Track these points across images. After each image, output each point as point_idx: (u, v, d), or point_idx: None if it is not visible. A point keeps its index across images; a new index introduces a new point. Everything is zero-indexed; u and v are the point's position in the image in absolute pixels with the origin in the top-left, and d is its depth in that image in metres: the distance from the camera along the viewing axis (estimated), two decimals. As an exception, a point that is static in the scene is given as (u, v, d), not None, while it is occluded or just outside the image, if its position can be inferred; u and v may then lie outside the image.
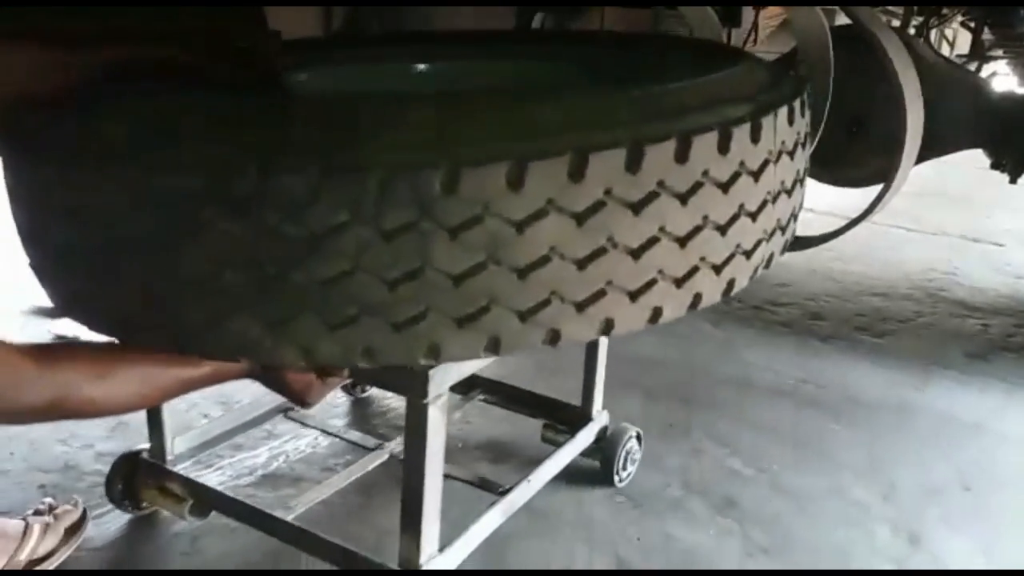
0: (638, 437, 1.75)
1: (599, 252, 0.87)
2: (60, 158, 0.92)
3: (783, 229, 1.10)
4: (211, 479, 1.68)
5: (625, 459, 1.71)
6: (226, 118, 0.90)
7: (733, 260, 0.99)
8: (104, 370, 0.93)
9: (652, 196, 0.88)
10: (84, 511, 1.50)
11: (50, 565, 1.41)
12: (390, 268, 0.82)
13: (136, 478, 1.52)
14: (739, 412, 2.14)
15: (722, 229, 0.96)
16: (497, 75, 1.45)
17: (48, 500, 1.50)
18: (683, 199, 0.90)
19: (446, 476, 1.53)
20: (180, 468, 1.50)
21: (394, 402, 2.05)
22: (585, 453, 1.71)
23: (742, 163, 0.95)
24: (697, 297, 0.97)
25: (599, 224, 0.86)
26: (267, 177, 0.80)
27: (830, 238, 2.51)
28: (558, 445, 1.64)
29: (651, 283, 0.92)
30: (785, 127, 1.03)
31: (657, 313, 0.95)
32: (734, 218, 0.97)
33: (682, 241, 0.92)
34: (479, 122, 0.86)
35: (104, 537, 1.52)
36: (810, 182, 2.98)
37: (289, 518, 1.36)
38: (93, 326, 1.01)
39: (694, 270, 0.95)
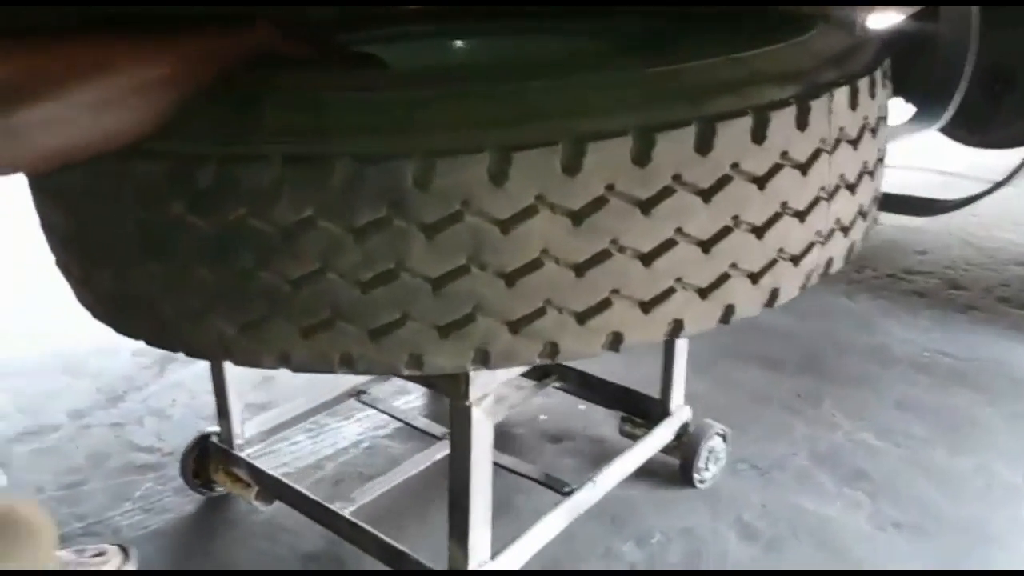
0: (723, 436, 1.62)
1: (667, 245, 0.76)
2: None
3: (863, 215, 0.95)
4: (278, 465, 1.69)
5: (707, 459, 1.59)
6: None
7: (811, 252, 0.87)
8: None
9: (725, 181, 0.76)
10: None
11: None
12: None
13: (207, 461, 1.55)
14: (873, 385, 2.01)
15: (800, 216, 0.83)
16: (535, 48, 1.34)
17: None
18: (760, 183, 0.78)
19: (509, 471, 1.49)
20: (249, 453, 1.51)
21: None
22: (666, 450, 1.60)
23: (822, 140, 0.82)
24: (774, 293, 0.85)
25: (666, 213, 0.75)
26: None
27: (970, 202, 2.26)
28: (635, 440, 1.54)
29: (724, 278, 0.81)
30: (867, 101, 0.88)
31: (729, 311, 0.83)
32: (813, 203, 0.84)
33: (759, 231, 0.80)
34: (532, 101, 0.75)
35: (182, 515, 1.57)
36: (947, 143, 2.74)
37: (347, 512, 1.34)
38: None
39: (771, 263, 0.83)
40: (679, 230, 0.76)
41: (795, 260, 0.85)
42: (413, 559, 1.23)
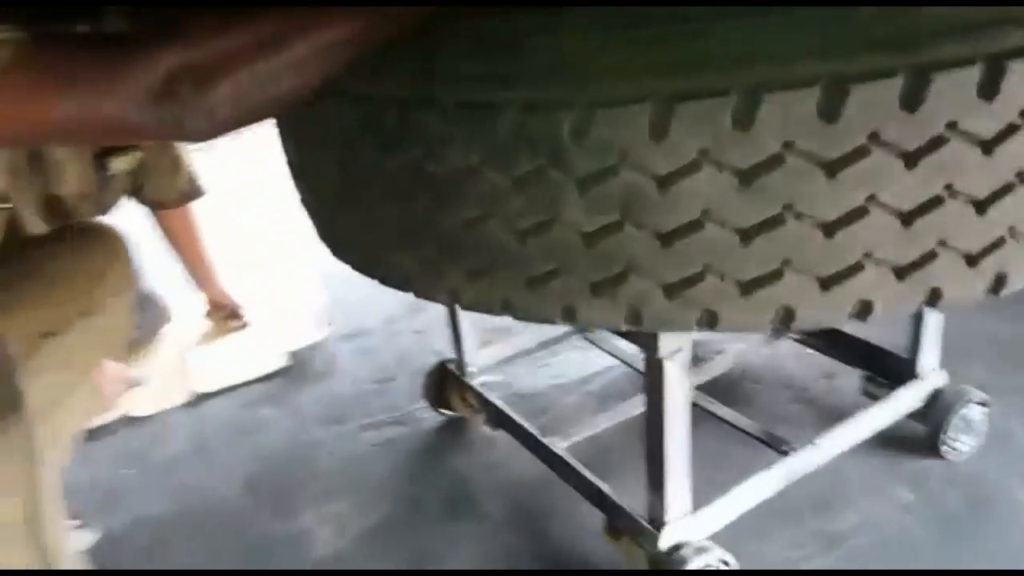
0: (983, 404, 1.43)
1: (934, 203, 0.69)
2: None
3: None
4: (508, 394, 1.77)
5: (959, 426, 1.42)
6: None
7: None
8: None
9: (1010, 130, 0.67)
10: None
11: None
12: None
13: (444, 385, 1.68)
14: None
15: None
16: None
17: None
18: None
19: (730, 425, 1.45)
20: (480, 381, 1.61)
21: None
22: (913, 416, 1.46)
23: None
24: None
25: (938, 165, 0.68)
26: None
27: None
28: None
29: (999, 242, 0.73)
30: None
31: (1000, 281, 0.76)
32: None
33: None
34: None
35: (418, 432, 1.73)
36: None
37: (561, 447, 1.39)
38: None
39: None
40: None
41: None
42: (614, 501, 1.25)
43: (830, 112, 0.65)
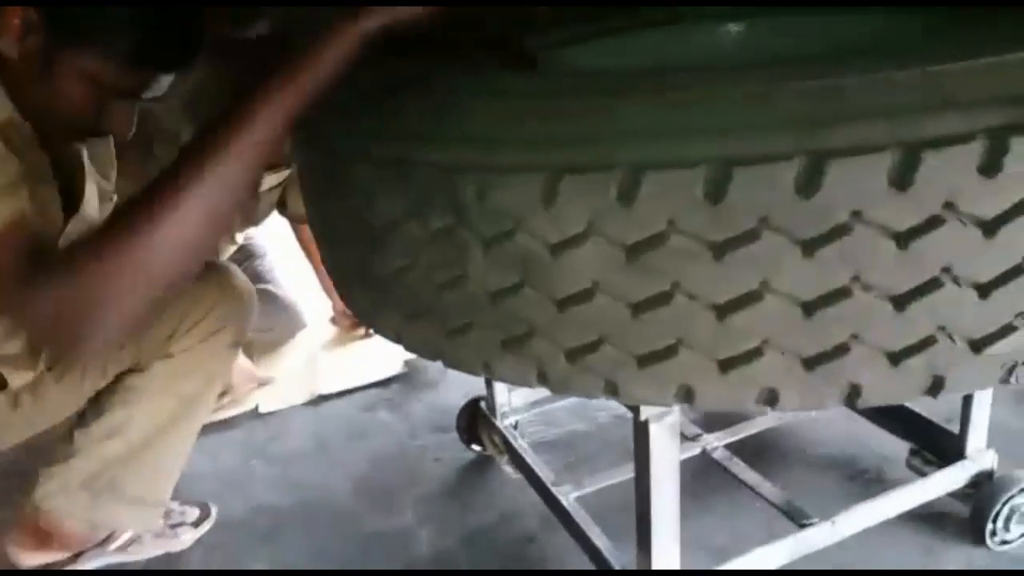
0: (1036, 492, 1.29)
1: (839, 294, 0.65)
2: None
3: None
4: (536, 434, 1.77)
5: (1008, 517, 1.28)
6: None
7: None
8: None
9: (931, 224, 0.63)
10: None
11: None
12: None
13: (475, 423, 1.69)
14: None
15: None
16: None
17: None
18: None
19: (752, 489, 1.37)
20: (508, 422, 1.61)
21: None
22: (956, 495, 1.33)
23: None
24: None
25: (840, 254, 0.64)
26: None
27: None
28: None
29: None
30: None
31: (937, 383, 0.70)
32: None
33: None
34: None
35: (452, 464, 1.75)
36: None
37: (571, 496, 1.37)
38: None
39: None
40: None
41: None
42: (605, 558, 1.22)
43: (716, 194, 0.62)
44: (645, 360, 0.70)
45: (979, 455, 1.31)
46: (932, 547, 1.33)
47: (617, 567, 1.20)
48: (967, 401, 1.29)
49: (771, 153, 0.61)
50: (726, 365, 0.68)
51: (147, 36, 1.02)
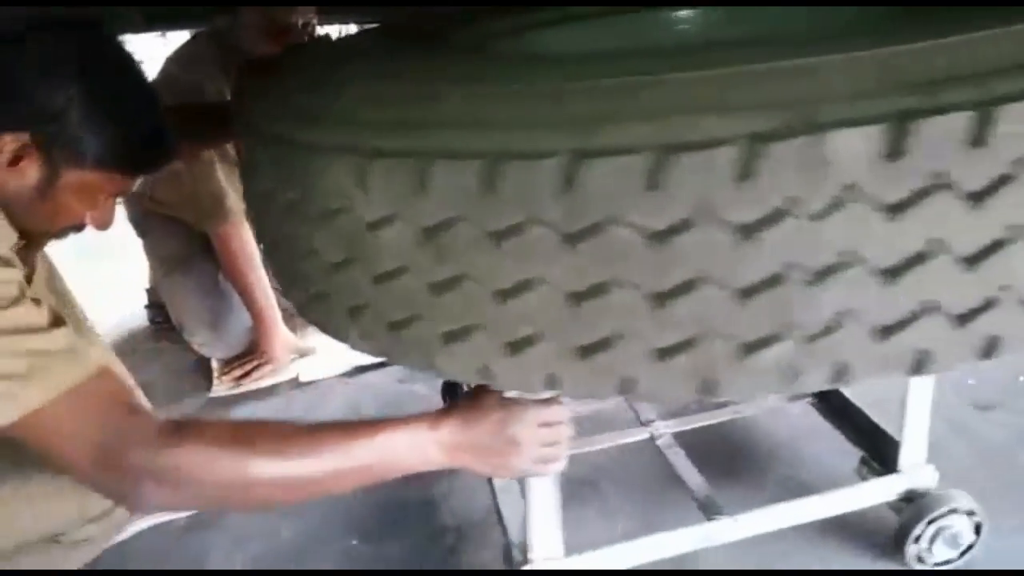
0: (968, 514, 1.23)
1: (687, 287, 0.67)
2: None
3: None
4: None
5: (933, 537, 1.23)
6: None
7: None
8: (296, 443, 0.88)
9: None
10: None
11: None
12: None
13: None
14: None
15: None
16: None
17: None
18: None
19: (679, 478, 1.33)
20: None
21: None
22: (893, 507, 1.28)
23: None
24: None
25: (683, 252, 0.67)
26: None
27: None
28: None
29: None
30: None
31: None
32: None
33: None
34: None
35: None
36: None
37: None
38: None
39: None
40: None
41: None
42: (507, 530, 1.21)
43: (568, 185, 0.64)
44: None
45: (913, 469, 1.25)
46: (851, 560, 1.29)
47: (513, 544, 1.17)
48: (904, 411, 1.23)
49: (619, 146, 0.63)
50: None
51: (148, 143, 1.05)
